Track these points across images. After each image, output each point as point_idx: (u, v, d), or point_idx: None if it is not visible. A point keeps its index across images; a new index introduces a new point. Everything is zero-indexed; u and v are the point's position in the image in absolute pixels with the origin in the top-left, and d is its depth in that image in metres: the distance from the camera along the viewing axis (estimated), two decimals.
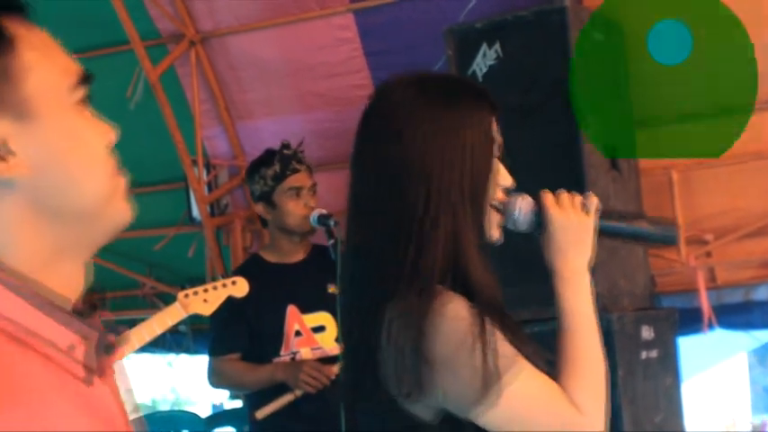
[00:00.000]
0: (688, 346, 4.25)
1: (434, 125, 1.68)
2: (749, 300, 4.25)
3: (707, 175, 4.24)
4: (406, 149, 1.67)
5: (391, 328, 1.61)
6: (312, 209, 3.84)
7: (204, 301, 3.52)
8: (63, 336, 1.07)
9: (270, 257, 4.01)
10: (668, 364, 3.89)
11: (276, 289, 3.86)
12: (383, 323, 1.62)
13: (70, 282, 1.12)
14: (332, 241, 3.64)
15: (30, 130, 1.07)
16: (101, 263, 2.63)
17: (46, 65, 1.09)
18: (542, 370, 1.65)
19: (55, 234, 1.09)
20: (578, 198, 1.79)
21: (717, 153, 4.19)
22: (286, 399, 3.77)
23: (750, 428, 9.77)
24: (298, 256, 3.99)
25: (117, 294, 5.48)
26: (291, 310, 3.88)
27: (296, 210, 3.89)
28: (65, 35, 1.17)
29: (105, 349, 1.12)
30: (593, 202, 1.79)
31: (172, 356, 6.00)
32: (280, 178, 3.90)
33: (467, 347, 1.58)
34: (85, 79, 1.12)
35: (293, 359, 3.84)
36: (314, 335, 3.89)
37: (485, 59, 3.86)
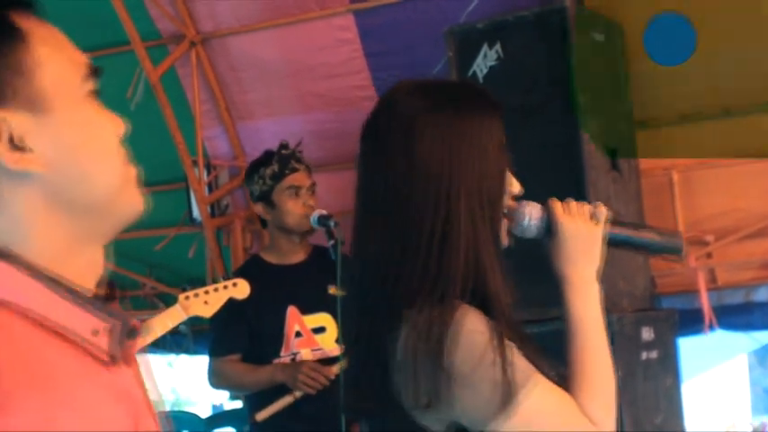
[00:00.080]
0: (688, 347, 4.25)
1: (447, 132, 1.67)
2: (750, 301, 4.25)
3: (707, 176, 4.24)
4: (420, 158, 1.66)
5: (409, 338, 1.60)
6: (311, 208, 3.84)
7: (205, 302, 3.52)
8: (86, 321, 1.09)
9: (270, 258, 4.01)
10: (668, 365, 3.89)
11: (276, 290, 3.86)
12: (399, 333, 1.62)
13: (89, 268, 1.14)
14: (332, 242, 3.64)
15: (44, 124, 1.09)
16: None
17: (57, 58, 1.11)
18: (552, 379, 1.65)
19: (70, 224, 1.11)
20: (587, 207, 1.79)
21: (717, 154, 4.19)
22: (286, 401, 3.77)
23: (750, 429, 9.76)
24: (298, 256, 3.99)
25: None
26: (292, 310, 3.88)
27: (295, 209, 3.89)
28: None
29: (128, 334, 1.13)
30: (603, 211, 1.79)
31: (172, 357, 6.00)
32: (278, 177, 3.90)
33: (487, 362, 1.57)
34: (94, 71, 1.14)
35: (293, 360, 3.84)
36: (314, 336, 3.89)
37: (485, 60, 3.86)
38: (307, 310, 3.89)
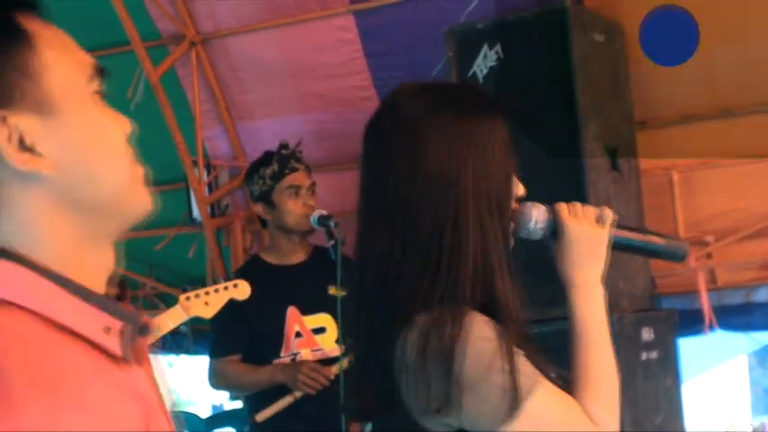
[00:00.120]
0: (688, 348, 4.25)
1: (452, 134, 1.66)
2: (750, 301, 4.25)
3: (707, 177, 4.24)
4: (427, 161, 1.65)
5: (419, 343, 1.59)
6: (311, 208, 3.84)
7: (206, 303, 3.52)
8: (98, 319, 1.09)
9: (270, 259, 4.01)
10: (668, 366, 3.89)
11: (276, 290, 3.86)
12: (403, 335, 1.61)
13: (98, 267, 1.14)
14: (332, 242, 3.64)
15: (52, 125, 1.09)
16: None
17: (64, 60, 1.12)
18: (554, 381, 1.65)
19: (79, 224, 1.11)
20: (592, 210, 1.79)
21: (717, 154, 4.19)
22: (285, 401, 3.77)
23: (750, 430, 9.77)
24: (298, 257, 3.99)
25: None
26: (292, 311, 3.88)
27: (295, 209, 3.89)
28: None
29: (140, 331, 1.14)
30: (609, 214, 1.79)
31: (172, 357, 6.00)
32: (278, 177, 3.90)
33: (495, 369, 1.57)
34: (99, 72, 1.15)
35: (293, 360, 3.84)
36: (314, 336, 3.88)
37: (485, 60, 3.86)
38: (307, 310, 3.89)
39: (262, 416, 3.79)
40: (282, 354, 3.86)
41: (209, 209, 5.11)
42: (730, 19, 3.99)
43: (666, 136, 4.26)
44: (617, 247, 1.81)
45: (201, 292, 3.53)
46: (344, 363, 3.64)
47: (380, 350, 1.65)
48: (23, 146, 1.07)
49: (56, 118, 1.09)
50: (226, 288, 3.57)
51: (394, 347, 1.62)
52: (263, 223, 4.08)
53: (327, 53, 4.70)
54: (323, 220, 3.71)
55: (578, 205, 1.79)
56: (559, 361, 1.71)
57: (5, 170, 1.07)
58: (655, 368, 3.77)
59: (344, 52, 4.67)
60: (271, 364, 3.84)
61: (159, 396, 1.18)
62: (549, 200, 1.81)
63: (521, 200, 1.77)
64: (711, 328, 4.21)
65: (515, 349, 1.61)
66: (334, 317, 3.78)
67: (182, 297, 3.51)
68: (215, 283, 3.76)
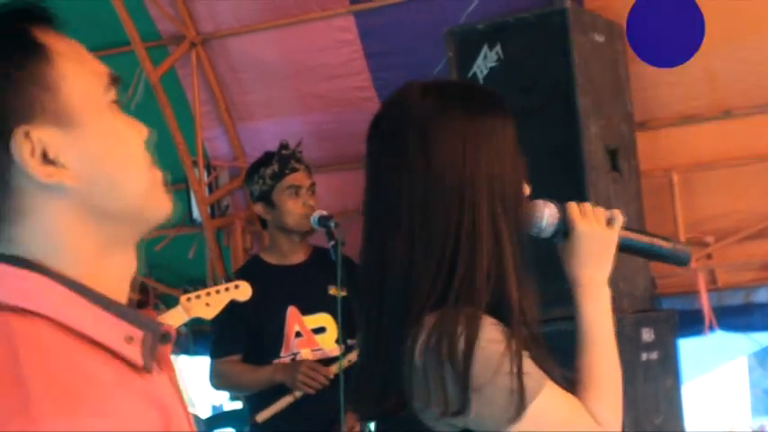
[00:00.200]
0: (688, 348, 4.25)
1: (464, 135, 1.66)
2: (750, 302, 4.25)
3: (707, 177, 4.24)
4: (438, 162, 1.65)
5: (429, 345, 1.59)
6: (311, 208, 3.84)
7: (206, 304, 3.52)
8: (120, 328, 1.11)
9: (270, 259, 4.01)
10: (668, 366, 3.89)
11: (277, 290, 3.86)
12: (414, 336, 1.61)
13: (120, 270, 1.16)
14: (332, 243, 3.64)
15: (72, 137, 1.11)
16: None
17: (80, 71, 1.13)
18: (559, 381, 1.66)
19: (100, 232, 1.13)
20: (602, 211, 1.79)
21: (717, 155, 4.19)
22: (285, 401, 3.77)
23: (750, 431, 9.76)
24: (298, 257, 3.99)
25: None
26: (292, 311, 3.88)
27: (295, 209, 3.89)
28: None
29: (161, 339, 1.15)
30: (619, 217, 1.80)
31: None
32: (278, 177, 3.90)
33: (503, 372, 1.58)
34: (114, 80, 1.16)
35: (293, 360, 3.84)
36: (314, 336, 3.89)
37: (486, 61, 3.86)
38: (307, 310, 3.90)
39: (262, 416, 3.80)
40: (282, 353, 3.86)
41: (209, 209, 5.11)
42: (730, 19, 3.99)
43: (666, 136, 4.27)
44: (624, 249, 1.82)
45: (202, 292, 3.53)
46: (344, 362, 3.65)
47: (389, 350, 1.65)
48: (46, 159, 1.09)
49: (75, 129, 1.11)
50: (227, 289, 3.57)
51: (403, 348, 1.62)
52: (263, 223, 4.08)
53: (327, 54, 4.70)
54: (323, 221, 3.71)
55: (588, 205, 1.79)
56: (563, 361, 1.71)
57: (29, 182, 1.09)
58: (655, 369, 3.77)
59: (344, 53, 4.67)
60: (271, 363, 3.84)
61: (181, 400, 1.20)
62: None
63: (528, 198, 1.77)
64: (711, 328, 4.21)
65: (523, 352, 1.61)
66: (335, 317, 3.79)
67: (183, 298, 3.51)
68: (215, 283, 3.76)
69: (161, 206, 1.19)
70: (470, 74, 3.86)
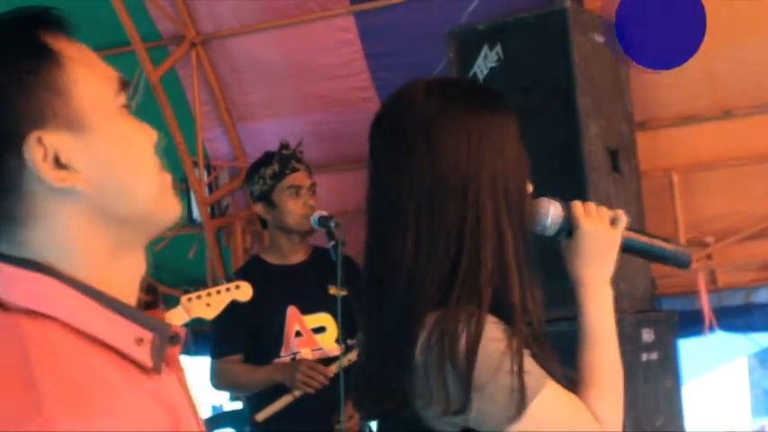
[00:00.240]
0: (688, 349, 4.25)
1: (470, 134, 1.66)
2: (750, 302, 4.25)
3: (708, 178, 4.24)
4: (443, 161, 1.64)
5: (431, 345, 1.59)
6: (312, 208, 3.84)
7: (207, 305, 3.52)
8: (130, 330, 1.12)
9: (270, 259, 4.01)
10: (668, 367, 3.88)
11: (277, 290, 3.86)
12: (417, 335, 1.61)
13: (130, 272, 1.18)
14: (332, 243, 3.64)
15: (83, 141, 1.12)
16: None
17: (91, 76, 1.14)
18: (562, 381, 1.66)
19: (111, 235, 1.14)
20: (606, 211, 1.80)
21: (718, 155, 4.19)
22: (285, 400, 3.77)
23: (750, 431, 9.76)
24: (298, 257, 3.99)
25: None
26: (292, 310, 3.88)
27: (295, 209, 3.89)
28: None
29: (171, 340, 1.17)
30: (623, 217, 1.80)
31: None
32: (279, 177, 3.90)
33: (504, 371, 1.58)
34: (124, 84, 1.18)
35: (293, 360, 3.84)
36: (314, 335, 3.89)
37: (486, 61, 3.86)
38: (307, 309, 3.90)
39: (262, 415, 3.80)
40: (282, 353, 3.86)
41: (209, 209, 5.11)
42: (730, 19, 3.99)
43: (666, 137, 4.26)
44: (626, 249, 1.83)
45: (203, 293, 3.53)
46: (344, 362, 3.64)
47: (393, 350, 1.65)
48: (58, 163, 1.10)
49: (86, 133, 1.12)
50: (228, 289, 3.57)
51: (406, 347, 1.62)
52: (264, 223, 4.08)
53: (328, 54, 4.70)
54: (323, 221, 3.71)
55: (593, 205, 1.79)
56: (564, 361, 1.71)
57: (42, 186, 1.10)
58: (655, 369, 3.77)
59: (345, 53, 4.67)
60: (271, 363, 3.84)
61: (190, 400, 1.21)
62: None
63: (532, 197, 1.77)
64: (711, 329, 4.21)
65: (524, 351, 1.61)
66: (335, 316, 3.78)
67: (183, 298, 3.51)
68: (216, 283, 3.76)
69: (170, 209, 1.21)
70: (471, 74, 3.86)
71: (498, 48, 3.84)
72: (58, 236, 1.12)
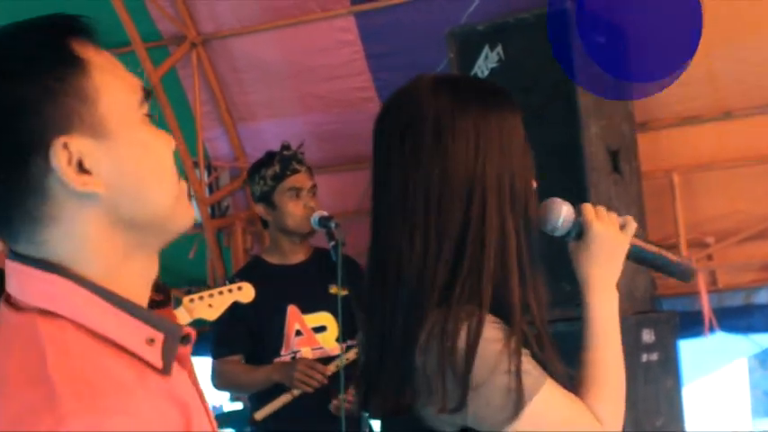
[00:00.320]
0: (689, 350, 4.25)
1: (479, 132, 1.66)
2: (750, 303, 4.24)
3: (708, 178, 4.23)
4: (451, 159, 1.64)
5: (434, 344, 1.59)
6: (312, 210, 3.84)
7: (209, 306, 3.51)
8: (141, 331, 1.15)
9: (271, 259, 4.01)
10: (669, 368, 3.88)
11: (277, 289, 3.86)
12: (421, 334, 1.61)
13: (142, 277, 1.21)
14: (332, 243, 3.64)
15: (106, 148, 1.15)
16: None
17: (116, 85, 1.17)
18: (564, 381, 1.66)
19: (126, 240, 1.18)
20: (615, 216, 1.80)
21: (718, 156, 4.19)
22: (283, 399, 3.77)
23: None
24: (299, 257, 3.99)
25: None
26: (292, 309, 3.88)
27: (296, 210, 3.89)
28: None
29: (182, 340, 1.20)
30: (632, 224, 1.81)
31: None
32: (279, 178, 3.90)
33: (501, 371, 1.58)
34: (148, 94, 1.21)
35: (293, 359, 3.84)
36: (315, 335, 3.89)
37: (486, 62, 3.86)
38: (307, 309, 3.90)
39: (260, 414, 3.80)
40: (283, 352, 3.86)
41: (209, 210, 5.11)
42: (730, 19, 3.99)
43: (667, 137, 4.26)
44: (633, 256, 1.84)
45: (206, 294, 3.53)
46: (344, 360, 3.64)
47: (394, 349, 1.65)
48: (82, 168, 1.13)
49: (109, 141, 1.15)
50: (230, 290, 3.57)
51: (407, 347, 1.62)
52: (265, 224, 4.08)
53: (328, 54, 4.70)
54: (323, 221, 3.71)
55: (603, 209, 1.80)
56: (563, 362, 1.71)
57: (64, 190, 1.13)
58: (655, 370, 3.77)
59: (345, 53, 4.67)
60: (271, 362, 3.84)
61: (201, 396, 1.25)
62: None
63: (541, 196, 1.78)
64: (712, 329, 4.20)
65: (523, 350, 1.61)
66: (335, 316, 3.78)
67: (185, 299, 3.50)
68: (216, 284, 3.75)
69: (185, 216, 1.24)
70: (471, 74, 3.85)
71: (499, 48, 3.84)
72: (75, 237, 1.15)
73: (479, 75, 3.85)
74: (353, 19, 4.59)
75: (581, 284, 1.78)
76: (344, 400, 3.57)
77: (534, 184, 1.73)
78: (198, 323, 3.48)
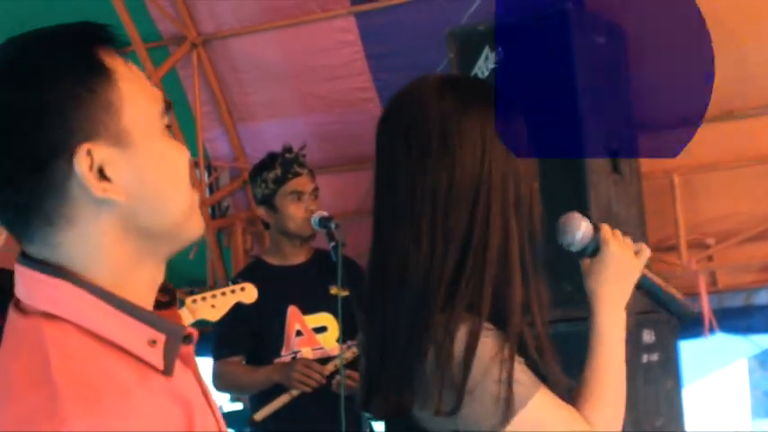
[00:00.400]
0: (689, 350, 4.25)
1: (484, 134, 1.65)
2: (750, 304, 4.25)
3: (708, 179, 4.23)
4: (462, 163, 1.64)
5: (433, 349, 1.59)
6: (313, 213, 3.84)
7: (212, 306, 3.51)
8: (143, 333, 1.17)
9: (272, 260, 4.02)
10: (669, 368, 3.88)
11: (278, 290, 3.86)
12: (423, 337, 1.61)
13: (149, 283, 1.23)
14: (333, 244, 3.64)
15: (127, 156, 1.17)
16: None
17: (140, 95, 1.20)
18: (560, 391, 1.66)
19: (138, 247, 1.20)
20: (630, 241, 1.82)
21: (719, 157, 4.19)
22: (282, 400, 3.77)
23: None
24: (299, 258, 3.99)
25: None
26: (292, 310, 3.88)
27: (297, 213, 3.89)
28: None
29: (184, 340, 1.21)
30: (646, 251, 1.83)
31: None
32: (281, 182, 3.90)
33: (492, 379, 1.58)
34: (169, 106, 1.23)
35: (293, 359, 3.84)
36: (315, 335, 3.89)
37: (487, 62, 3.86)
38: (307, 309, 3.90)
39: (260, 415, 3.80)
40: (283, 352, 3.86)
41: (209, 210, 5.12)
42: (730, 19, 3.99)
43: (668, 139, 4.26)
44: (640, 285, 1.86)
45: (208, 294, 3.52)
46: (342, 360, 3.64)
47: (395, 351, 1.65)
48: (102, 174, 1.16)
49: (130, 149, 1.17)
50: (233, 291, 3.57)
51: (409, 349, 1.62)
52: (266, 225, 4.09)
53: (328, 54, 4.70)
54: (324, 222, 3.71)
55: (618, 232, 1.81)
56: (563, 363, 1.70)
57: (84, 194, 1.15)
58: (655, 371, 3.77)
59: (345, 54, 4.67)
60: (272, 363, 3.85)
61: (206, 393, 1.26)
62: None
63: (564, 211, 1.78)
64: (712, 330, 4.20)
65: (517, 358, 1.61)
66: (336, 316, 3.78)
67: (188, 300, 3.50)
68: (216, 284, 3.75)
69: (197, 226, 1.26)
70: (471, 75, 3.85)
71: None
72: (89, 242, 1.17)
73: (479, 75, 3.85)
74: (354, 19, 4.59)
75: (591, 301, 1.79)
76: (345, 377, 3.57)
77: (536, 186, 1.73)
78: (200, 323, 3.48)
